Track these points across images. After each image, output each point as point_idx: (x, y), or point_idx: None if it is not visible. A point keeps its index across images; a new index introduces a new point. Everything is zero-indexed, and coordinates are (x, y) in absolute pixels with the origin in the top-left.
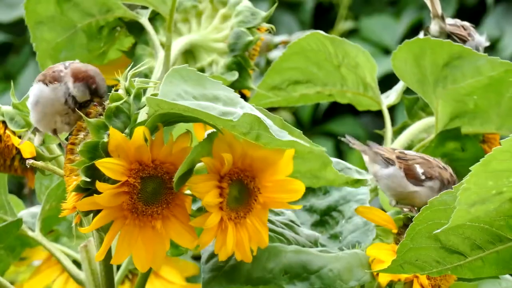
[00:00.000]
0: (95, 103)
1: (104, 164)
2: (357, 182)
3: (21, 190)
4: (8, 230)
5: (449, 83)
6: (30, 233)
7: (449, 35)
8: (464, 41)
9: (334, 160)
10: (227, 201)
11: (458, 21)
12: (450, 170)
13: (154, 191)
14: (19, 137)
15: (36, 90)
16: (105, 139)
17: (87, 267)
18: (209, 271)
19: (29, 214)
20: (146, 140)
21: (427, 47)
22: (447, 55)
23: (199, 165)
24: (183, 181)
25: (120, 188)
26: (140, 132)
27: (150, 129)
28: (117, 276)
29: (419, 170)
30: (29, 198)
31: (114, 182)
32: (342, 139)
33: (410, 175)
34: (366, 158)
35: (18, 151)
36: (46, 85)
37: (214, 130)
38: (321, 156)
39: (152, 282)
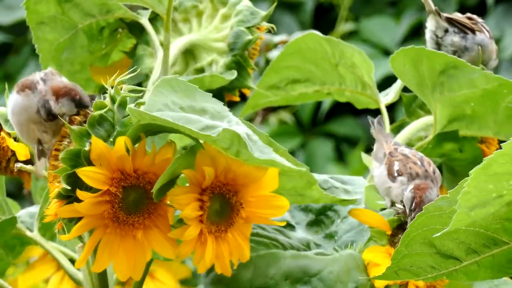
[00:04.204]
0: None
1: (85, 173)
2: (344, 201)
3: (20, 190)
4: (3, 228)
5: (446, 91)
6: (28, 233)
7: (446, 30)
8: (470, 29)
9: (322, 177)
10: (208, 214)
11: (468, 14)
12: (427, 167)
13: (136, 200)
14: (14, 138)
15: (11, 101)
16: (87, 148)
17: (85, 267)
18: (210, 284)
19: (28, 214)
20: (128, 149)
21: (423, 55)
22: (443, 63)
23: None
24: (164, 192)
25: (101, 197)
26: (121, 141)
27: (133, 139)
28: (113, 277)
29: (396, 167)
30: (28, 199)
31: (95, 190)
32: (370, 118)
33: (389, 171)
34: (374, 148)
35: (14, 153)
36: (19, 93)
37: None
38: (305, 175)
39: (147, 283)
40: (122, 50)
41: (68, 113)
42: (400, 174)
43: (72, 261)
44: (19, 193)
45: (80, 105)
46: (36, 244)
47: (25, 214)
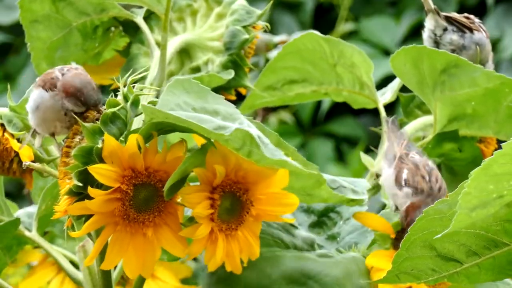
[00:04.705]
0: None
1: (97, 170)
2: (352, 201)
3: (20, 190)
4: (5, 230)
5: (447, 90)
6: (27, 233)
7: (445, 28)
8: (468, 28)
9: (330, 177)
10: (219, 212)
11: (465, 14)
12: (434, 184)
13: (146, 198)
14: (18, 139)
15: (36, 96)
16: (99, 145)
17: (85, 267)
18: (208, 277)
19: (26, 214)
20: (140, 147)
21: (424, 54)
22: (444, 62)
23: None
24: (175, 190)
25: (112, 195)
26: (133, 139)
27: (145, 137)
28: (114, 276)
29: (404, 176)
30: (28, 199)
31: (106, 188)
32: (385, 118)
33: (397, 178)
34: (385, 147)
35: (17, 154)
36: (46, 91)
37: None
38: (314, 175)
39: (147, 282)
40: (115, 48)
41: (78, 110)
42: (407, 184)
43: (72, 262)
44: (19, 193)
45: (86, 104)
46: (34, 244)
47: (23, 214)
